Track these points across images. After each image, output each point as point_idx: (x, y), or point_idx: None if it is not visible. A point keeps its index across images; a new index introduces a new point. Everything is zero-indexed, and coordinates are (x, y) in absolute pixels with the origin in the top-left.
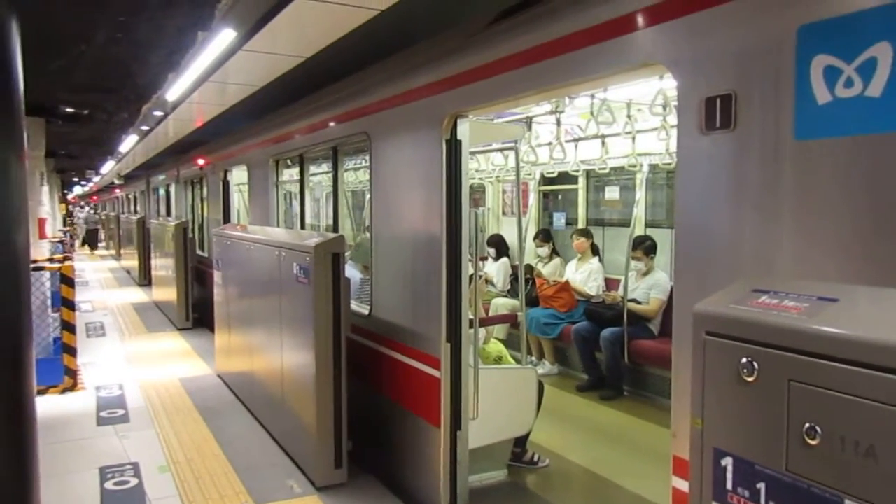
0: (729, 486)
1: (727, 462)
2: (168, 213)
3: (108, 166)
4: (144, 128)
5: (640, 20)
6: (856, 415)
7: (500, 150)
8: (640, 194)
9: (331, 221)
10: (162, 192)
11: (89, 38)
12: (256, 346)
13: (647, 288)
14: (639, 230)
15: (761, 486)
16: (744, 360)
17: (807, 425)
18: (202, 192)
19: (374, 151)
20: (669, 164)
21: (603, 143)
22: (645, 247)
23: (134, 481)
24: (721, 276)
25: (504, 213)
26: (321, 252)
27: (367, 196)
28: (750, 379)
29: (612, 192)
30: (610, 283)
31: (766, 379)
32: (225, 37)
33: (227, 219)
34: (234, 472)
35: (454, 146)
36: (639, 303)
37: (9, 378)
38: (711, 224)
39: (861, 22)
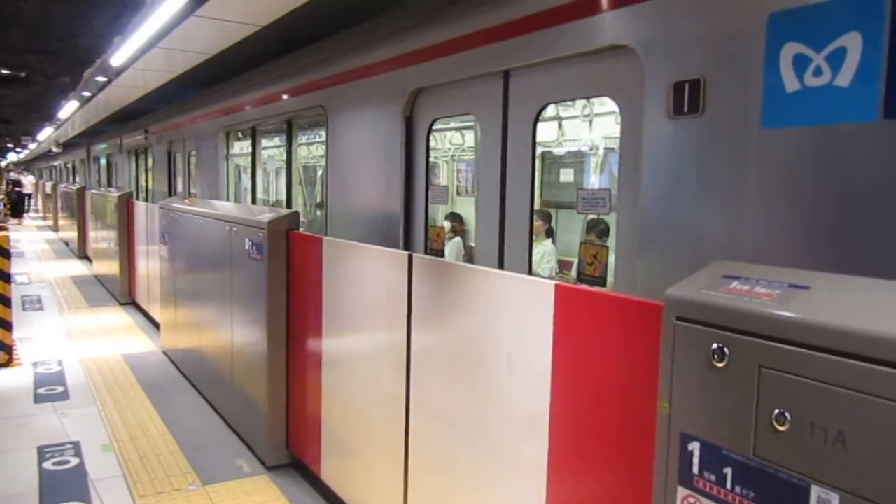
0: (695, 470)
1: (694, 447)
2: (109, 184)
3: (46, 133)
4: (86, 94)
5: (610, 1)
6: (826, 402)
7: (458, 128)
8: (595, 178)
9: (279, 197)
10: (104, 161)
11: None
12: (205, 322)
13: None
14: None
15: (728, 470)
16: (714, 345)
17: (776, 411)
18: (147, 163)
19: (331, 126)
20: None
21: (560, 125)
22: (598, 230)
23: (75, 461)
24: (685, 261)
25: (458, 193)
26: (275, 228)
27: (320, 172)
28: (720, 364)
29: (566, 175)
30: (563, 265)
31: (736, 365)
32: (176, 1)
33: (171, 191)
34: (180, 451)
35: (414, 122)
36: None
37: None
38: (677, 209)
39: (832, 11)
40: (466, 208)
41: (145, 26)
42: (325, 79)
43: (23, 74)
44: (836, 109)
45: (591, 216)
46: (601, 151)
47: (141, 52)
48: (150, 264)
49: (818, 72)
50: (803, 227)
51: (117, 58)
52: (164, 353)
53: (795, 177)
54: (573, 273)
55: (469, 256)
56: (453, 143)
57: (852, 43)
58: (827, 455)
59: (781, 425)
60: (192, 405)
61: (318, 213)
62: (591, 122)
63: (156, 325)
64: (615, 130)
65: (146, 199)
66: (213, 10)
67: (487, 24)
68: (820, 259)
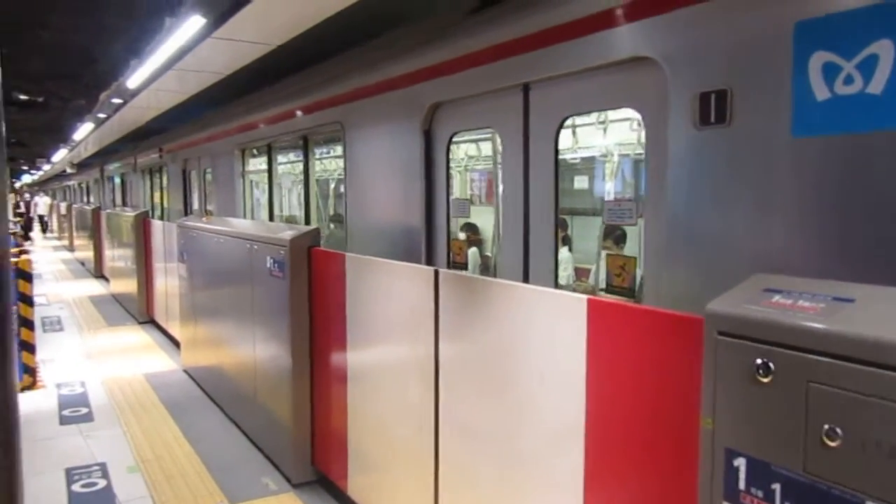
0: (742, 486)
1: (740, 462)
2: (124, 203)
3: (61, 154)
4: (101, 115)
5: (630, 12)
6: (879, 416)
7: (475, 140)
8: (610, 184)
9: (292, 212)
10: (117, 180)
11: (48, 23)
12: (226, 340)
13: None
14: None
15: (776, 486)
16: (759, 360)
17: (826, 427)
18: (161, 181)
19: (349, 141)
20: (641, 154)
21: (574, 132)
22: (615, 236)
23: (102, 483)
24: (714, 272)
25: (472, 202)
26: (297, 245)
27: (333, 186)
28: (765, 380)
29: (580, 182)
30: (580, 272)
31: (782, 380)
32: (193, 23)
33: (187, 209)
34: (206, 470)
35: (433, 136)
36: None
37: None
38: (704, 219)
39: (861, 19)
40: (479, 218)
41: (162, 49)
42: (341, 95)
43: (40, 99)
44: (869, 117)
45: (608, 223)
46: (615, 158)
47: (157, 74)
48: (168, 282)
49: (849, 80)
50: (836, 235)
51: (133, 80)
52: (185, 371)
53: (828, 185)
54: (591, 280)
55: (485, 266)
56: (467, 153)
57: (884, 50)
58: (882, 470)
59: (833, 441)
60: (216, 423)
61: (332, 226)
62: (605, 129)
63: (175, 343)
64: (629, 137)
65: (161, 218)
66: (229, 32)
67: (506, 38)
68: (852, 268)
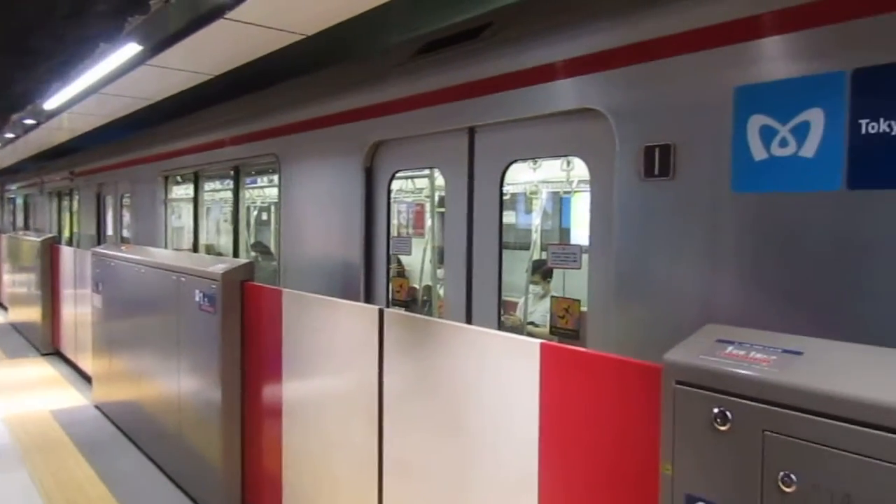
0: None
1: None
2: (27, 226)
3: None
4: (9, 135)
5: (578, 66)
6: (831, 465)
7: (411, 177)
8: (538, 220)
9: (219, 242)
10: (20, 201)
11: None
12: (147, 374)
13: (545, 311)
14: (536, 254)
15: None
16: (716, 409)
17: (782, 474)
18: (72, 205)
19: (285, 174)
20: (569, 191)
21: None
22: (542, 271)
23: None
24: (659, 319)
25: (399, 234)
26: (229, 279)
27: (255, 213)
28: (723, 428)
29: (507, 217)
30: (508, 305)
31: (739, 428)
32: (128, 50)
33: (101, 237)
34: None
35: (374, 174)
36: (537, 325)
37: None
38: (649, 267)
39: (794, 88)
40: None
41: (89, 73)
42: (278, 127)
43: None
44: (803, 178)
45: (535, 258)
46: (543, 195)
47: (79, 97)
48: (78, 312)
49: (784, 142)
50: (774, 289)
51: (52, 102)
52: (97, 407)
53: (764, 238)
54: (518, 313)
55: (412, 298)
56: (404, 189)
57: (815, 118)
58: None
59: (788, 487)
60: (133, 463)
61: (256, 256)
62: (536, 167)
63: (85, 377)
64: (559, 175)
65: (70, 243)
66: (166, 60)
67: (452, 82)
68: (789, 323)
